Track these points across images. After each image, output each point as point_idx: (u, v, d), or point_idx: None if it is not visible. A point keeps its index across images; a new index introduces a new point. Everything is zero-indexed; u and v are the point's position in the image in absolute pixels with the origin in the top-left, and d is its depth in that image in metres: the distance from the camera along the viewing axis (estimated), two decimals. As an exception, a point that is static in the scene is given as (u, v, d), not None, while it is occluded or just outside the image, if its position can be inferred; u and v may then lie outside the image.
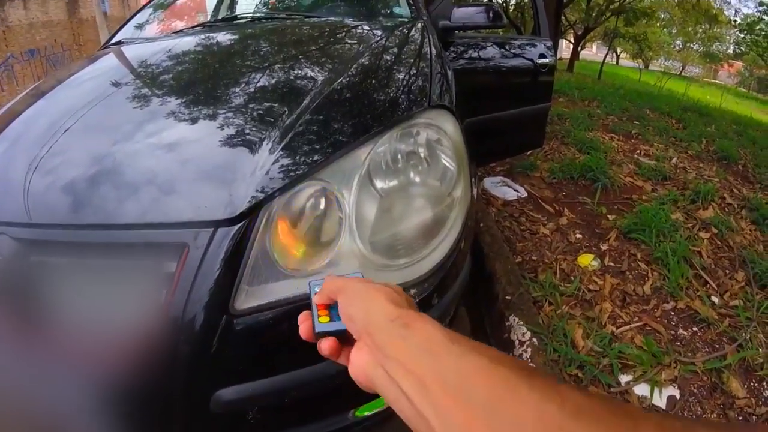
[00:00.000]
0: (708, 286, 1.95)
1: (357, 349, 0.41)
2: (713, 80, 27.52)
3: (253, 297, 0.82)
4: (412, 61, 1.36)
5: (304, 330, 0.47)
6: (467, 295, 1.24)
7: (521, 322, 1.60)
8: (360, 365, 0.39)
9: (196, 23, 2.17)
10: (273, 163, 0.90)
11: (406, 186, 1.00)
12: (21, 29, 9.13)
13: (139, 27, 2.20)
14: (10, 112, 1.34)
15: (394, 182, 0.98)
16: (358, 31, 1.68)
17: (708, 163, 3.63)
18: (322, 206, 0.90)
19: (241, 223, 0.82)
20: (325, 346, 0.45)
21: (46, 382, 0.92)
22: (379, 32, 1.60)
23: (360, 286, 0.44)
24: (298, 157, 0.92)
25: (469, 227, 1.14)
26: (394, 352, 0.36)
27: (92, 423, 0.91)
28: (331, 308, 0.48)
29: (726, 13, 17.42)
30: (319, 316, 0.48)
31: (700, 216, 2.55)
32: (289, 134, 0.96)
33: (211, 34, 1.74)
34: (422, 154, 1.04)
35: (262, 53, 1.49)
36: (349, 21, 1.81)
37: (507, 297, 1.73)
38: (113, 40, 2.06)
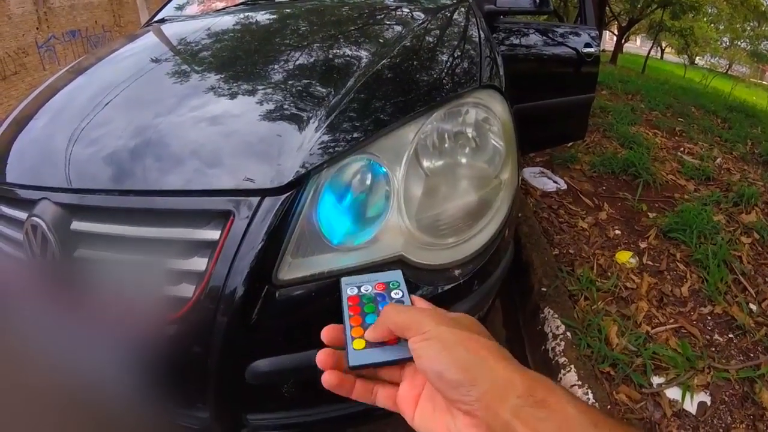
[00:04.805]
0: (746, 292, 1.87)
1: (466, 426, 0.34)
2: (760, 81, 26.29)
3: (297, 268, 0.81)
4: (457, 43, 1.32)
5: (323, 358, 0.38)
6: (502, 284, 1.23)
7: (556, 315, 1.57)
8: None
9: (237, 2, 2.17)
10: (321, 137, 0.89)
11: (453, 166, 0.98)
12: (62, 11, 9.33)
13: (180, 7, 2.21)
14: (52, 87, 1.36)
15: (441, 162, 0.96)
16: (401, 12, 1.64)
17: (753, 166, 3.49)
18: (368, 181, 0.89)
19: (288, 193, 0.81)
20: (329, 378, 0.37)
21: (85, 348, 0.94)
22: (424, 14, 1.56)
23: (450, 336, 0.35)
24: (346, 133, 0.91)
25: (513, 215, 1.11)
26: None
27: (130, 389, 0.92)
28: (366, 321, 0.37)
29: (776, 11, 16.58)
30: (353, 338, 0.36)
31: (743, 220, 2.44)
32: (337, 110, 0.94)
33: (252, 13, 1.73)
34: (470, 134, 1.01)
35: (305, 32, 1.47)
36: (390, 1, 1.77)
37: (543, 289, 1.70)
38: (155, 19, 2.08)
